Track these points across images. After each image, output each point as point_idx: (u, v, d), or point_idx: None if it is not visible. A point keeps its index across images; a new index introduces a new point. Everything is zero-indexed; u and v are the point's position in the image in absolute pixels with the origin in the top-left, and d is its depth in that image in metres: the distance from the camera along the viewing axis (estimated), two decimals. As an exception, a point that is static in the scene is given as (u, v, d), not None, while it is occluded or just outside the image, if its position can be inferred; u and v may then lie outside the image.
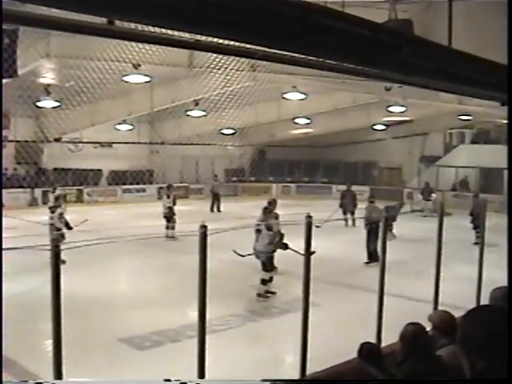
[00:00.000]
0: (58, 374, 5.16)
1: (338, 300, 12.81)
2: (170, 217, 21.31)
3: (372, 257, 16.67)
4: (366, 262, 17.12)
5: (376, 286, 8.10)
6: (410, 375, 4.37)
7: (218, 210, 31.80)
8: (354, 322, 10.59)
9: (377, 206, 18.39)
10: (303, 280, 6.89)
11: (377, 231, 16.88)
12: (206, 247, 5.69)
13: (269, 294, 13.12)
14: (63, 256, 14.99)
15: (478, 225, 19.65)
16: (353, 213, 25.30)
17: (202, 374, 5.77)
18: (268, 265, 13.18)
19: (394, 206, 21.58)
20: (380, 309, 8.01)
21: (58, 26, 4.90)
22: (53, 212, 16.82)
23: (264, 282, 13.10)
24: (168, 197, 21.83)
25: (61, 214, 16.68)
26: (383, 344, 7.38)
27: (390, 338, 6.21)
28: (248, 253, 12.83)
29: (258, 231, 13.16)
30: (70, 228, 16.01)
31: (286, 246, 12.85)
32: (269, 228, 13.08)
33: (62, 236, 15.46)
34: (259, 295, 13.08)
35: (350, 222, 24.82)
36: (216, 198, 32.56)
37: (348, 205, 25.50)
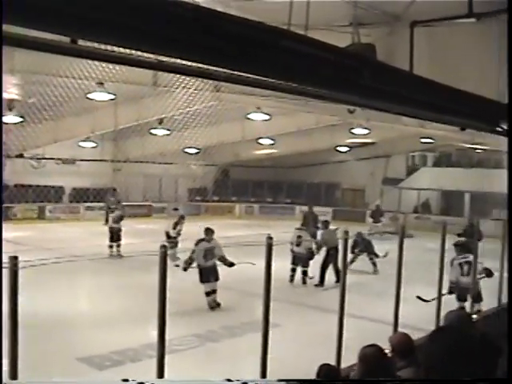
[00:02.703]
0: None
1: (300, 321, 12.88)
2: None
3: (338, 278, 16.72)
4: (316, 285, 17.18)
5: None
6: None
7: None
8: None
9: (332, 229, 18.36)
10: (263, 300, 6.87)
11: (336, 255, 17.00)
12: (166, 266, 5.69)
13: None
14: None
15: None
16: (314, 235, 23.58)
17: (161, 374, 5.74)
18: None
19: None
20: (340, 330, 8.02)
21: (20, 44, 4.87)
22: (196, 244, 14.50)
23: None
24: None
25: (207, 251, 14.39)
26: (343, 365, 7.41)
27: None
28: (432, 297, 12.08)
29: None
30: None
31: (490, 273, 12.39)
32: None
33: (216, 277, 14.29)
34: None
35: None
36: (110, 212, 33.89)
37: (309, 227, 23.85)
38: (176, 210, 24.29)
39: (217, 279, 14.31)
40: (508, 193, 5.56)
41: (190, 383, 5.49)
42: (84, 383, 6.01)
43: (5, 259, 4.90)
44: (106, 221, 33.84)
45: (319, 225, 23.96)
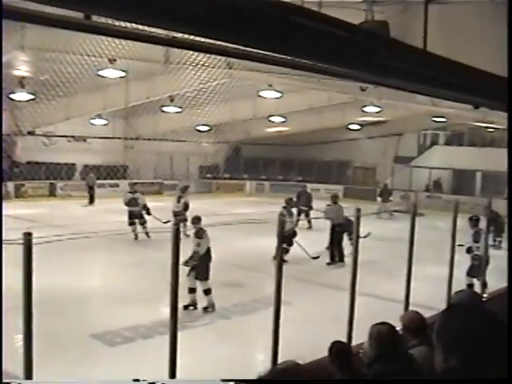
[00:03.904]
0: (29, 372, 5.13)
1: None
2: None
3: (339, 257, 16.74)
4: (328, 263, 17.12)
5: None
6: (381, 374, 4.38)
7: (91, 202, 32.83)
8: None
9: (336, 206, 18.21)
10: (275, 277, 6.90)
11: (341, 232, 16.97)
12: (179, 244, 5.70)
13: None
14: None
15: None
16: (307, 214, 24.35)
17: (173, 374, 5.76)
18: None
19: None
20: (351, 308, 8.04)
21: (33, 20, 4.85)
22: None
23: None
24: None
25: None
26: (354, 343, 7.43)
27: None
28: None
29: None
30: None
31: None
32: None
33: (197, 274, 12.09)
34: None
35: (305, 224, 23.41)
36: (91, 191, 33.61)
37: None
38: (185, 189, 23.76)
39: (197, 277, 11.92)
40: (508, 171, 5.48)
41: (200, 383, 5.52)
42: (95, 383, 6.06)
43: (18, 235, 4.91)
44: (91, 201, 33.15)
45: (312, 204, 24.18)
